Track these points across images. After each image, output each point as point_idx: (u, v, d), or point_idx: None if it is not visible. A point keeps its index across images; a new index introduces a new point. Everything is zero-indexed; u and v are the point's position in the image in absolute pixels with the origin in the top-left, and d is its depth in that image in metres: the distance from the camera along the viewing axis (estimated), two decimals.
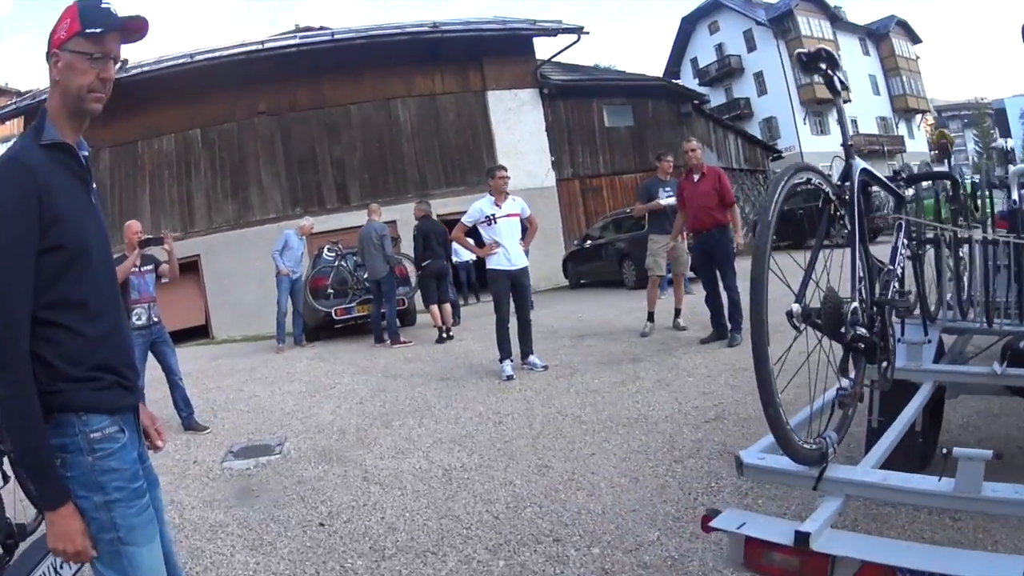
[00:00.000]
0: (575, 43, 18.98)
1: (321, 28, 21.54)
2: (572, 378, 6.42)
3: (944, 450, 2.12)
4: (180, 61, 16.25)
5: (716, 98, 42.28)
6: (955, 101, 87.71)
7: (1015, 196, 4.13)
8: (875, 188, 3.31)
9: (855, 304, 2.37)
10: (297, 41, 17.67)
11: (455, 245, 10.93)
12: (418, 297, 10.88)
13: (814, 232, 2.56)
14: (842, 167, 2.67)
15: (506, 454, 4.45)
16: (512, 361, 6.86)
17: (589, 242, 15.63)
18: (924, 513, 3.25)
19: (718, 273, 7.48)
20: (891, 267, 2.90)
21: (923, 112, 55.27)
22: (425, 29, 18.11)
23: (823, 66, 2.61)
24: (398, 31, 17.99)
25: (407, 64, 18.01)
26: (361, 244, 10.10)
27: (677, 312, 8.44)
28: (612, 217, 15.80)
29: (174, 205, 17.01)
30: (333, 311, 10.62)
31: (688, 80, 45.44)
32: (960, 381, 3.60)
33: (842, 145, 2.71)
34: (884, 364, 2.65)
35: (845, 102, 2.89)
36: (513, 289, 7.00)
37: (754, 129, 40.23)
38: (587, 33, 18.56)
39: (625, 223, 13.82)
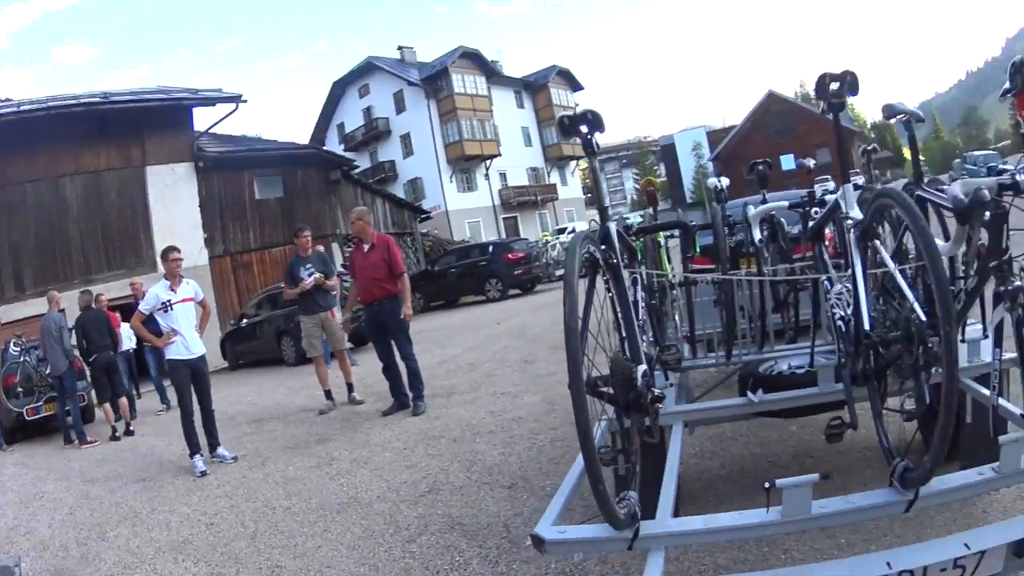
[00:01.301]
0: (233, 112, 18.89)
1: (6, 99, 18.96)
2: (266, 467, 6.37)
3: (767, 484, 2.25)
4: None
5: (362, 162, 43.20)
6: (615, 143, 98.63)
7: (756, 236, 4.27)
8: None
9: (644, 368, 2.42)
10: None
11: (124, 333, 10.45)
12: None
13: None
14: (598, 228, 2.75)
15: (231, 558, 4.35)
16: (202, 455, 6.64)
17: (245, 320, 15.41)
18: (751, 551, 3.22)
19: (393, 343, 7.56)
20: (639, 322, 2.97)
21: (578, 158, 57.19)
22: (96, 100, 17.13)
23: (584, 129, 2.61)
24: (73, 101, 16.83)
25: (77, 139, 16.90)
26: (42, 336, 9.38)
27: (349, 387, 8.50)
28: (266, 293, 15.75)
29: None
30: (24, 411, 9.88)
31: (334, 145, 45.88)
32: (712, 416, 3.79)
33: (598, 208, 2.80)
34: (652, 416, 2.64)
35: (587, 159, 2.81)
36: (193, 378, 6.78)
37: (399, 191, 41.50)
38: (245, 101, 18.60)
39: (279, 299, 13.78)
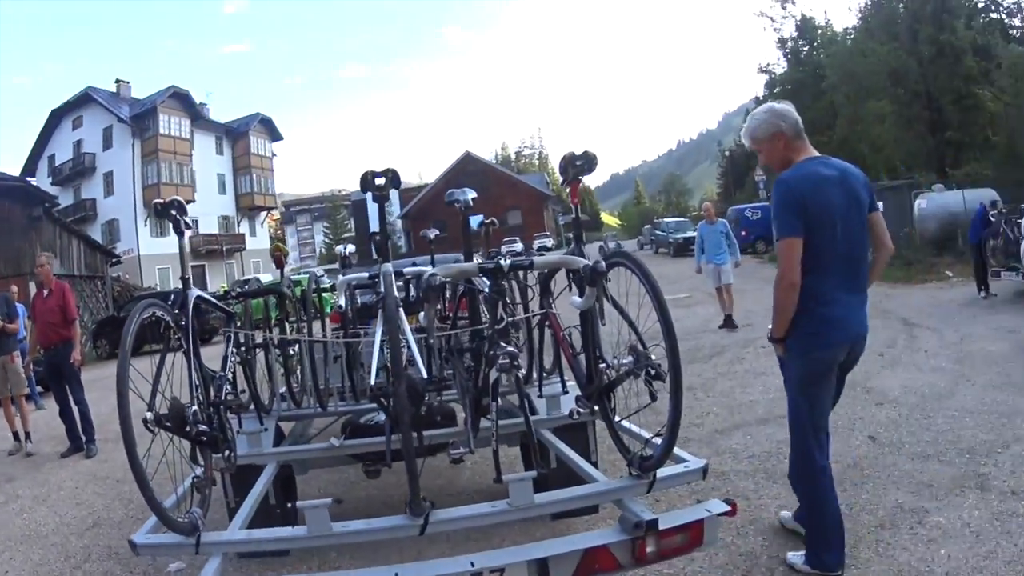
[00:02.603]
0: None
1: None
2: None
3: (289, 504, 2.80)
4: None
5: (65, 199, 40.25)
6: (309, 195, 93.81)
7: (341, 302, 4.47)
8: (205, 307, 3.59)
9: (194, 407, 2.81)
10: None
11: None
12: None
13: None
14: (177, 295, 3.13)
15: None
16: None
17: None
18: (315, 564, 3.94)
19: (68, 388, 7.84)
20: (222, 373, 3.35)
21: (269, 209, 56.64)
22: None
23: (174, 213, 3.07)
24: None
25: None
26: None
27: (26, 435, 8.40)
28: None
29: None
30: None
31: (43, 178, 42.20)
32: (303, 458, 4.06)
33: (181, 278, 3.17)
34: (227, 452, 3.11)
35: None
36: None
37: (97, 232, 39.20)
38: None
39: None
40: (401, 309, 2.95)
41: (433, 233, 5.54)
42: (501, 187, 51.59)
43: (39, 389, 12.24)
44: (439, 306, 4.49)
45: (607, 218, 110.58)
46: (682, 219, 43.16)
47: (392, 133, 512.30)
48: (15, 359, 8.41)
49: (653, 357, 2.57)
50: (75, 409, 7.88)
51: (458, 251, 3.68)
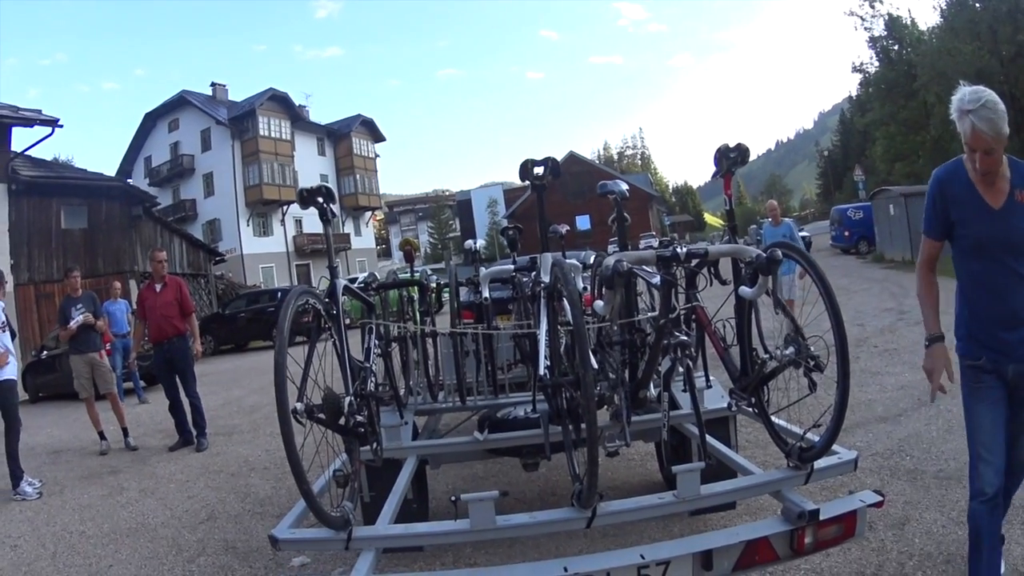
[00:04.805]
0: (49, 136, 18.10)
1: None
2: (63, 495, 6.60)
3: (453, 498, 2.56)
4: None
5: (164, 199, 41.50)
6: (412, 195, 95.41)
7: (486, 294, 4.52)
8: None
9: (349, 399, 2.77)
10: None
11: None
12: None
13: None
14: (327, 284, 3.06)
15: None
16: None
17: (46, 353, 14.62)
18: (448, 559, 3.87)
19: (180, 381, 7.86)
20: (367, 364, 3.26)
21: (374, 209, 57.54)
22: None
23: (320, 200, 2.97)
24: None
25: None
26: None
27: (124, 432, 8.38)
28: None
29: None
30: None
31: (140, 179, 43.75)
32: (443, 452, 4.10)
33: (328, 267, 3.05)
34: (375, 445, 3.10)
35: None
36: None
37: (197, 231, 40.25)
38: (61, 126, 17.85)
39: None
40: (542, 302, 3.02)
41: (564, 229, 5.48)
42: None
43: (143, 384, 12.61)
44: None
45: (710, 219, 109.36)
46: (787, 219, 42.55)
47: (492, 134, 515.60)
48: (103, 356, 8.51)
49: (813, 348, 2.57)
50: (186, 403, 7.89)
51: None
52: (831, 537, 2.61)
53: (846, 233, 26.47)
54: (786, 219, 11.25)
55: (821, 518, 2.55)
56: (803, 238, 19.95)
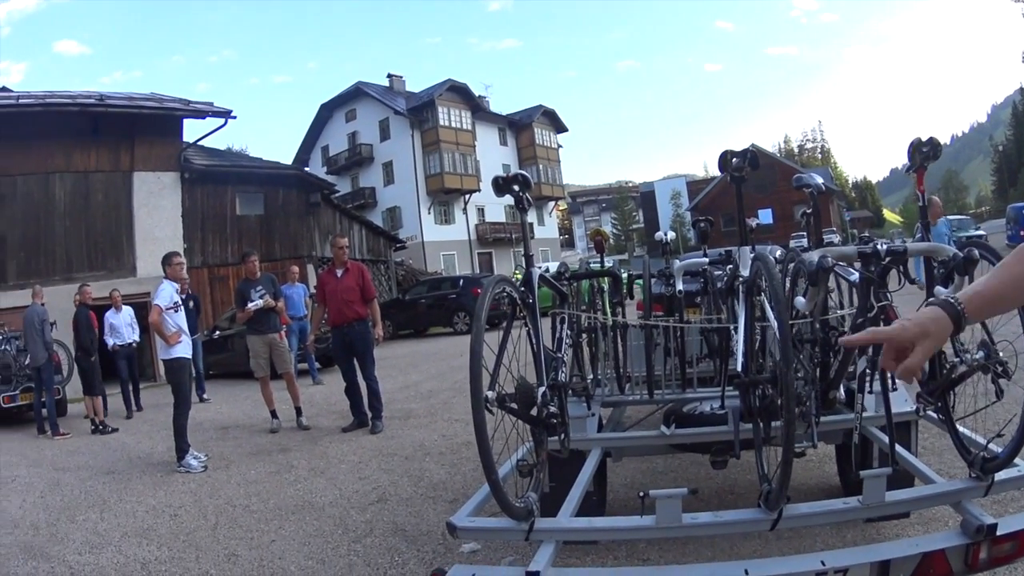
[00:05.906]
0: (222, 127, 19.20)
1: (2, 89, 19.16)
2: (229, 469, 6.71)
3: (641, 494, 2.53)
4: None
5: (343, 186, 43.06)
6: (595, 185, 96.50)
7: (679, 287, 4.47)
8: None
9: (543, 389, 2.75)
10: None
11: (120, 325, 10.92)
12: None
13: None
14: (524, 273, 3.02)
15: (192, 545, 4.68)
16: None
17: (218, 333, 15.48)
18: (622, 554, 3.79)
19: (357, 364, 7.92)
20: (559, 354, 3.29)
21: (557, 199, 57.75)
22: (92, 101, 17.24)
23: (516, 188, 2.93)
24: (69, 100, 16.95)
25: (70, 138, 17.00)
26: (25, 328, 9.67)
27: (298, 411, 8.54)
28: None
29: None
30: (1, 398, 10.15)
31: (317, 167, 45.66)
32: (627, 445, 4.05)
33: (524, 255, 3.04)
34: (563, 436, 3.05)
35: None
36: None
37: (377, 218, 41.27)
38: (234, 118, 18.80)
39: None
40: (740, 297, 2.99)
41: (755, 223, 5.31)
42: (787, 181, 49.53)
43: (317, 365, 12.90)
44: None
45: (888, 215, 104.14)
46: (963, 216, 42.29)
47: (672, 125, 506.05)
48: (282, 337, 8.71)
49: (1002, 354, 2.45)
50: (363, 385, 7.90)
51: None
52: (1004, 554, 2.46)
53: (1022, 232, 24.80)
54: (944, 218, 10.89)
55: (998, 533, 2.39)
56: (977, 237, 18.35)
